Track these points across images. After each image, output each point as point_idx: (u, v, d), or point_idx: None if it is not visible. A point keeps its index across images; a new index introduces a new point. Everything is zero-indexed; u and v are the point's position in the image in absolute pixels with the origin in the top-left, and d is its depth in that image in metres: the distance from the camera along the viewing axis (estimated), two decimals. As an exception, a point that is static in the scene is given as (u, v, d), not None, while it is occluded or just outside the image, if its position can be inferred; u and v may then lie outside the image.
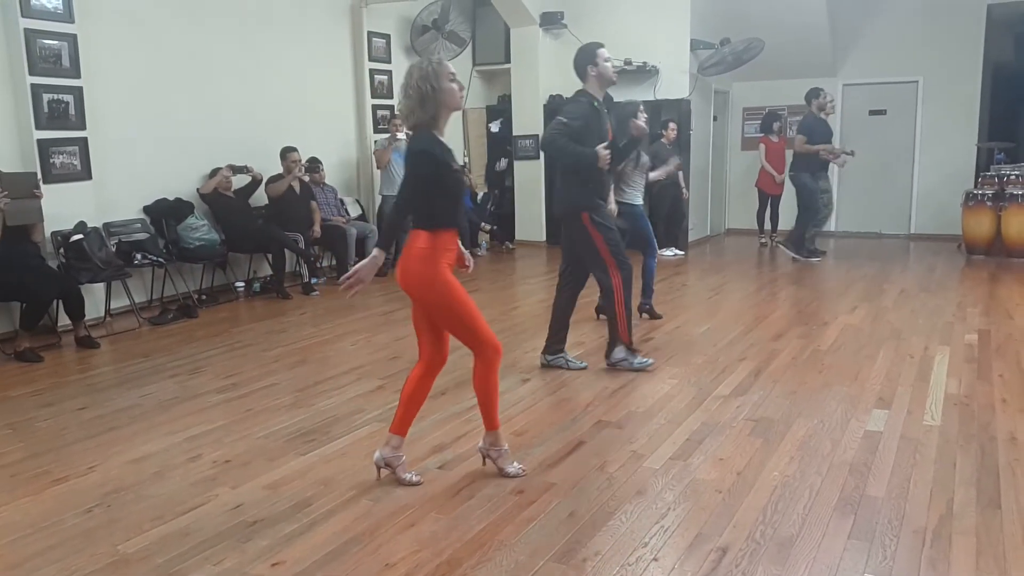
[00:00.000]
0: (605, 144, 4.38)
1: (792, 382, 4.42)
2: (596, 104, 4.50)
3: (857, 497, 2.99)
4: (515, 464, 3.28)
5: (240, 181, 7.34)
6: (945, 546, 2.62)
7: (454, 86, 3.04)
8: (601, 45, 4.55)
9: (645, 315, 6.00)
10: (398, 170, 8.47)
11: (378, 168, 8.62)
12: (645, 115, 5.19)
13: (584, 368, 4.75)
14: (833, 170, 9.61)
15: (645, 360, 4.75)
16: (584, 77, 4.52)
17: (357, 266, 3.05)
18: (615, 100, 6.64)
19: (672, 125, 8.98)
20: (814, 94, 8.63)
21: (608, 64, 4.50)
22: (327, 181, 8.23)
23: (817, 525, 2.78)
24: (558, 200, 4.73)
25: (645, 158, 6.02)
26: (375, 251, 3.05)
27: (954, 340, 5.23)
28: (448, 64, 3.07)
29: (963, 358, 4.81)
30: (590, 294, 5.31)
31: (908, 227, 10.59)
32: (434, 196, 3.03)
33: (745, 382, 4.44)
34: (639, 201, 6.01)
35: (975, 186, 9.07)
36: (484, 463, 3.30)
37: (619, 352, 4.72)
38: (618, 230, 4.74)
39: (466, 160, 10.56)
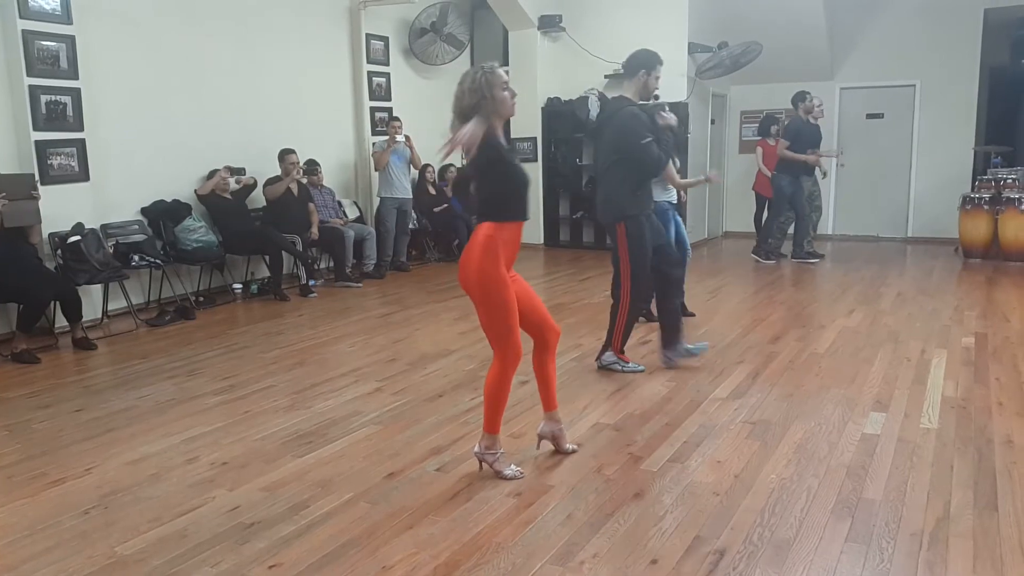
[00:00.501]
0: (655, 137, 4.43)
1: (789, 385, 4.43)
2: (640, 108, 4.49)
3: (854, 500, 2.99)
4: (512, 467, 3.27)
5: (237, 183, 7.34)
6: (942, 549, 2.62)
7: (506, 94, 3.05)
8: (662, 62, 4.52)
9: (642, 318, 6.00)
10: (396, 172, 8.48)
11: (376, 170, 8.62)
12: (670, 114, 5.22)
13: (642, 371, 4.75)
14: (831, 170, 9.63)
15: (636, 366, 4.75)
16: (630, 77, 4.49)
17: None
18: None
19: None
20: (800, 97, 8.60)
21: (658, 81, 4.49)
22: (325, 183, 8.24)
23: (814, 528, 2.78)
24: (601, 208, 4.72)
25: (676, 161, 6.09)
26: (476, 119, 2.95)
27: (951, 343, 5.24)
28: (501, 72, 3.07)
29: (960, 361, 4.82)
30: (596, 294, 5.29)
31: (905, 230, 10.61)
32: (501, 187, 3.09)
33: (743, 385, 4.44)
34: (667, 198, 6.01)
35: (972, 190, 9.09)
36: (480, 468, 3.30)
37: (610, 356, 4.74)
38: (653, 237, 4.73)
39: (464, 163, 10.56)
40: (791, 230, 9.01)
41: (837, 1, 9.75)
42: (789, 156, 8.45)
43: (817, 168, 8.73)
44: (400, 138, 8.38)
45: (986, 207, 8.59)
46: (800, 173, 8.57)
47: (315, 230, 7.66)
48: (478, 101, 2.98)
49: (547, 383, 3.41)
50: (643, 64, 4.47)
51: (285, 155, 7.47)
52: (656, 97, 4.70)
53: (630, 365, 4.73)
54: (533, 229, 10.40)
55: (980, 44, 9.83)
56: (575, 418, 3.95)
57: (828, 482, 3.15)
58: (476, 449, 3.29)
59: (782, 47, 9.66)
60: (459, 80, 3.07)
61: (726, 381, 4.52)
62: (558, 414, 3.49)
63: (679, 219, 6.16)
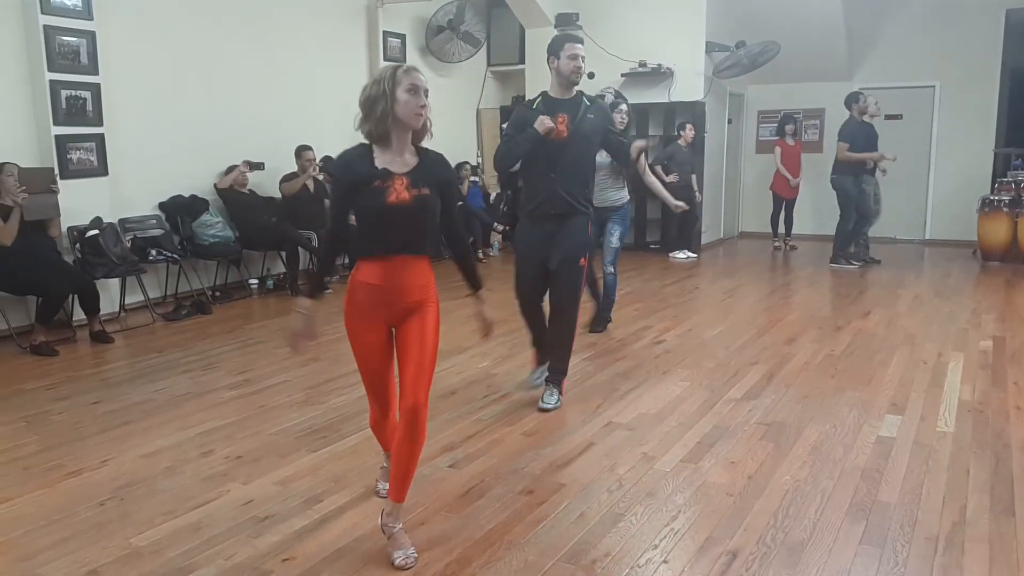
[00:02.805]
0: (547, 130, 3.86)
1: (805, 386, 4.40)
2: (535, 107, 4.02)
3: (869, 503, 2.97)
4: (406, 552, 2.55)
5: (254, 178, 7.37)
6: (958, 553, 2.60)
7: (408, 97, 2.49)
8: (576, 40, 3.97)
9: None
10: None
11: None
12: (624, 110, 5.05)
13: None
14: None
15: (536, 378, 4.40)
16: (550, 71, 4.06)
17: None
18: (617, 98, 6.52)
19: (689, 127, 8.97)
20: (854, 98, 8.43)
21: (571, 63, 3.91)
22: (341, 180, 8.25)
23: (828, 530, 2.76)
24: None
25: (603, 157, 4.91)
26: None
27: (968, 346, 5.19)
28: (419, 75, 2.53)
29: (977, 364, 4.77)
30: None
31: (923, 233, 10.52)
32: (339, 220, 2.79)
33: (757, 386, 4.42)
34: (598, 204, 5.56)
35: (991, 192, 9.00)
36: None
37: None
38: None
39: (479, 160, 10.58)
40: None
41: (856, 1, 9.67)
42: (854, 157, 8.25)
43: (878, 167, 8.52)
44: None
45: (1005, 210, 8.51)
46: (860, 173, 8.39)
47: (331, 227, 7.67)
48: (378, 95, 2.55)
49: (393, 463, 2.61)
50: (549, 52, 3.99)
51: (302, 152, 7.49)
52: (581, 75, 3.97)
53: (533, 374, 4.43)
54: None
55: (1001, 45, 9.74)
56: (588, 417, 3.94)
57: (843, 484, 3.13)
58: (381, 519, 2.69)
59: (800, 47, 9.60)
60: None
61: (741, 382, 4.50)
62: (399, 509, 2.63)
63: (610, 226, 5.61)
